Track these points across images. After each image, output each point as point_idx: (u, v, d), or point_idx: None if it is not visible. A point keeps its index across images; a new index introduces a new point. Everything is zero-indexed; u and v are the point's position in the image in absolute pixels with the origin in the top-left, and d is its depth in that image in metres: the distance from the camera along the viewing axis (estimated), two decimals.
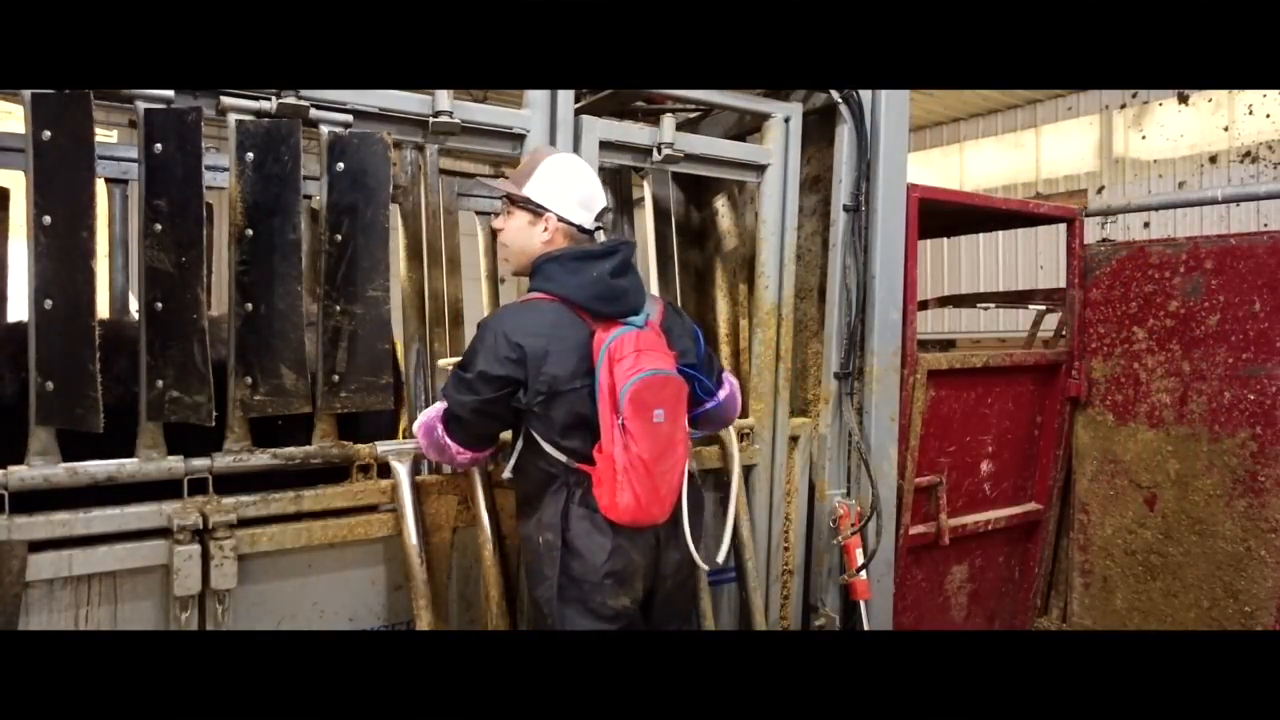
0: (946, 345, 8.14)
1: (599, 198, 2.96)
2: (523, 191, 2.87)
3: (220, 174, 3.72)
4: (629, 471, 2.64)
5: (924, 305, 5.71)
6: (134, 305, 3.75)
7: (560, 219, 2.86)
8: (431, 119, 3.04)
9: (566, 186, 2.88)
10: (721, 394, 3.12)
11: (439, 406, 2.84)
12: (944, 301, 7.03)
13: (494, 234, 3.07)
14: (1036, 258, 12.40)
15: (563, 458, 2.78)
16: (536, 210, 2.87)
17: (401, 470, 3.05)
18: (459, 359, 2.84)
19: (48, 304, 2.48)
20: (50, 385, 2.50)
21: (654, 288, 4.48)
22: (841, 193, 4.10)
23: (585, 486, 2.77)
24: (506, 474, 2.93)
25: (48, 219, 2.46)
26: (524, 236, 2.90)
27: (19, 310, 2.85)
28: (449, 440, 2.81)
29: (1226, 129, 10.67)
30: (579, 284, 2.77)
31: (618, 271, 2.81)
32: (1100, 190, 11.91)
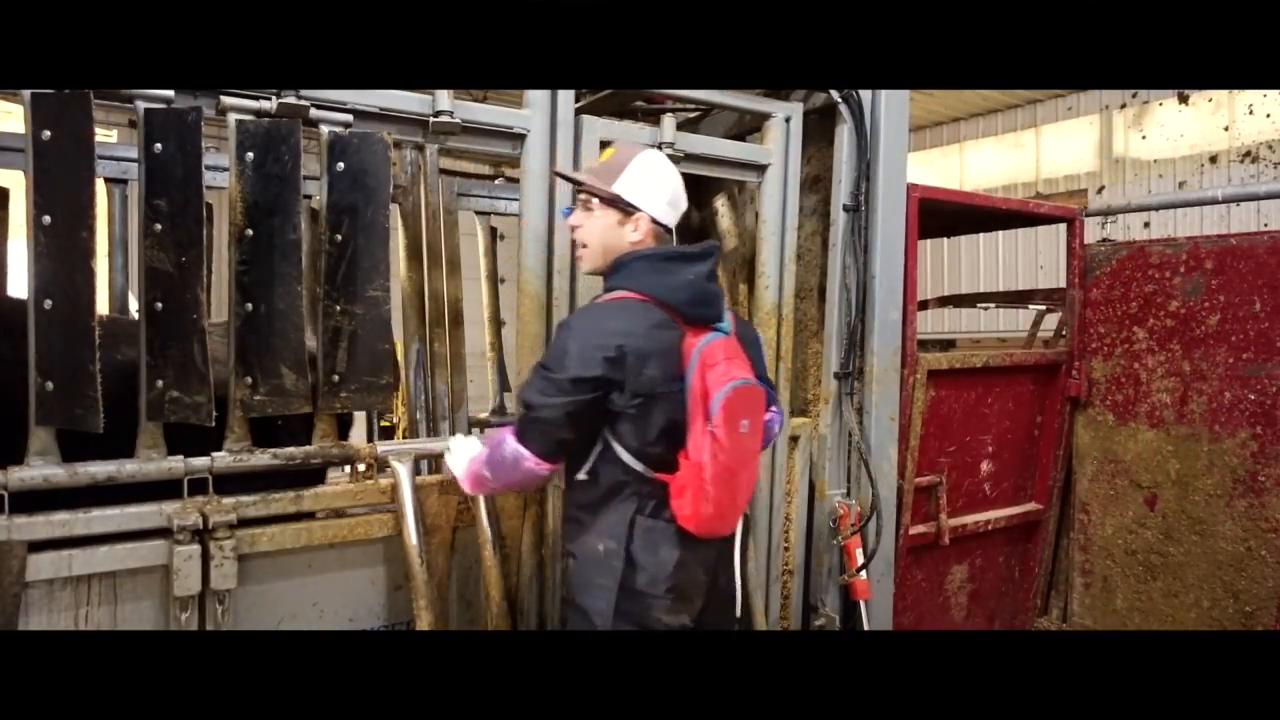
0: (946, 345, 8.15)
1: (684, 197, 2.89)
2: (613, 189, 2.76)
3: (220, 174, 3.72)
4: (715, 481, 2.52)
5: (924, 305, 5.71)
6: (134, 305, 3.76)
7: (653, 220, 2.77)
8: (432, 119, 3.04)
9: (659, 186, 2.79)
10: (775, 408, 3.04)
11: (495, 434, 2.72)
12: (944, 301, 7.04)
13: (570, 230, 2.92)
14: (1036, 258, 12.41)
15: (639, 466, 2.66)
16: (627, 209, 2.75)
17: (402, 470, 3.06)
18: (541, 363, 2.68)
19: (47, 304, 2.48)
20: (50, 385, 2.51)
21: None
22: (841, 192, 4.10)
23: (659, 497, 2.66)
24: (581, 475, 2.75)
25: (47, 219, 2.46)
26: (612, 235, 2.77)
27: None
28: (526, 451, 2.61)
29: (1227, 129, 10.68)
30: (673, 285, 2.67)
31: (711, 275, 2.74)
32: (1100, 190, 11.92)
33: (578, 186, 2.87)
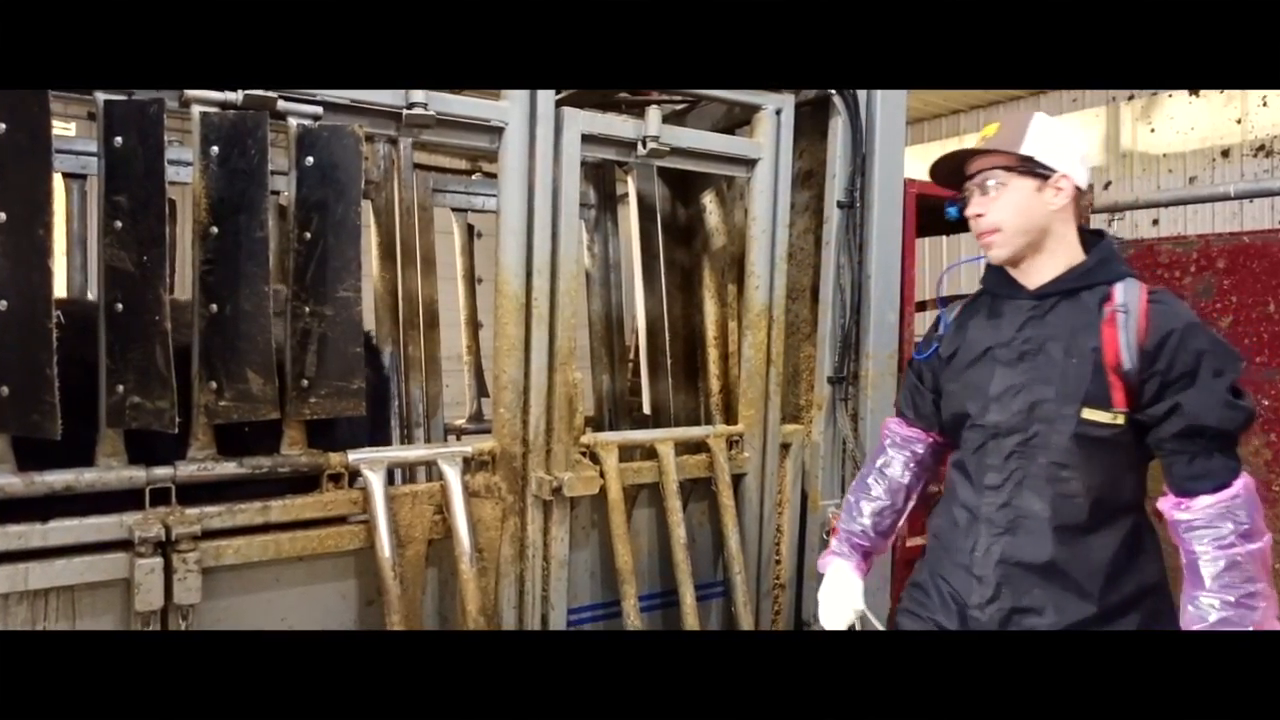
0: None
1: (1093, 155, 2.76)
2: (1021, 151, 2.57)
3: (184, 169, 3.75)
4: None
5: (922, 306, 5.73)
6: None
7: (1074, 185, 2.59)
8: (405, 111, 3.06)
9: (1070, 141, 2.61)
10: None
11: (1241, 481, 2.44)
12: (943, 302, 7.04)
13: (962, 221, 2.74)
14: None
15: None
16: (1043, 173, 2.56)
17: (374, 480, 3.07)
18: (1226, 379, 2.43)
19: (2, 305, 2.49)
20: (5, 390, 2.51)
21: (639, 288, 4.51)
22: (836, 188, 4.14)
23: None
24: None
25: (2, 216, 2.47)
26: (1033, 205, 2.58)
27: None
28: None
29: (1239, 121, 10.73)
30: None
31: None
32: (1107, 186, 11.97)
33: (975, 168, 2.68)
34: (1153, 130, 11.51)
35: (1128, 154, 11.79)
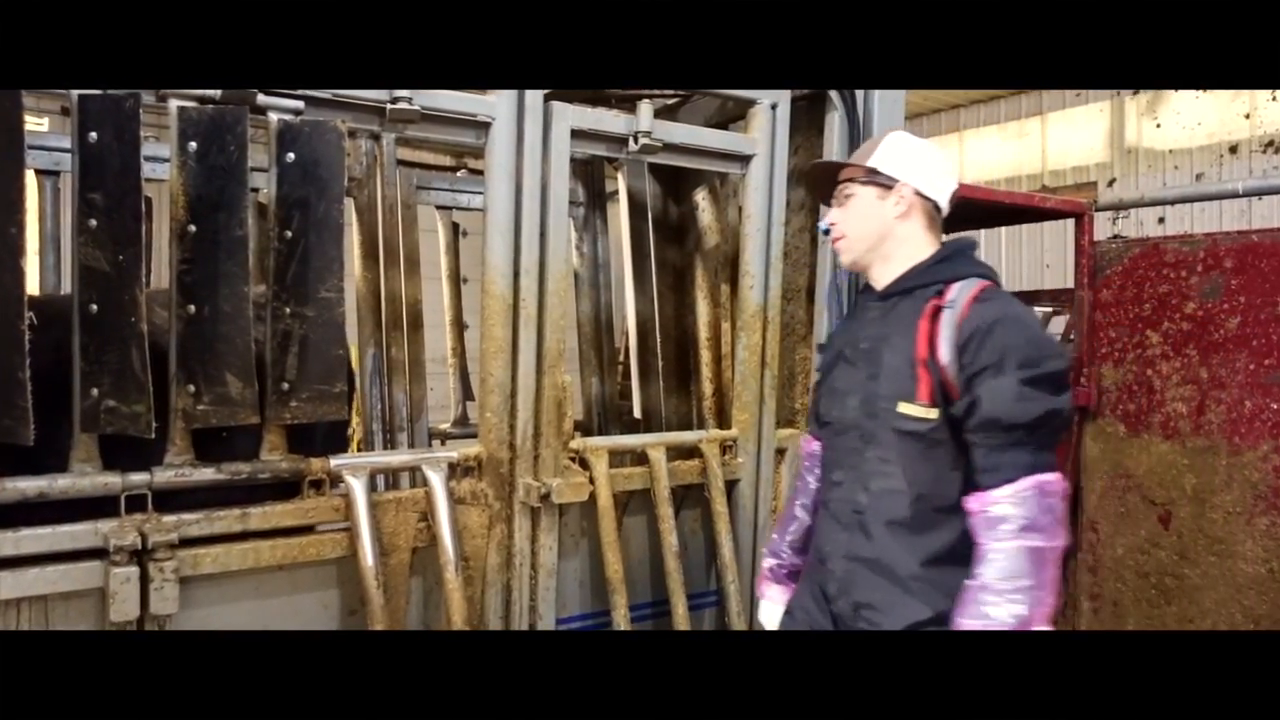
0: None
1: (949, 171, 2.89)
2: (868, 164, 2.82)
3: (160, 165, 3.75)
4: None
5: None
6: None
7: (918, 193, 2.80)
8: (389, 106, 3.06)
9: (916, 156, 2.83)
10: None
11: (1037, 479, 2.46)
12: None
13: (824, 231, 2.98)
14: (1042, 256, 12.50)
15: None
16: (885, 183, 2.80)
17: (357, 486, 3.08)
18: (1024, 372, 2.49)
19: None
20: None
21: (629, 288, 4.52)
22: None
23: None
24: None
25: None
26: (873, 212, 2.82)
27: None
28: (1058, 475, 2.50)
29: (1248, 116, 10.77)
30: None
31: None
32: (1111, 183, 12.01)
33: (834, 182, 2.92)
34: (1158, 125, 11.55)
35: (1132, 150, 11.83)
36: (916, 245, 2.80)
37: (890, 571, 2.64)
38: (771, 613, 3.15)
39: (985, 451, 2.51)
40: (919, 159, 2.81)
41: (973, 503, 2.52)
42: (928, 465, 2.62)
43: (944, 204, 2.85)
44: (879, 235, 2.80)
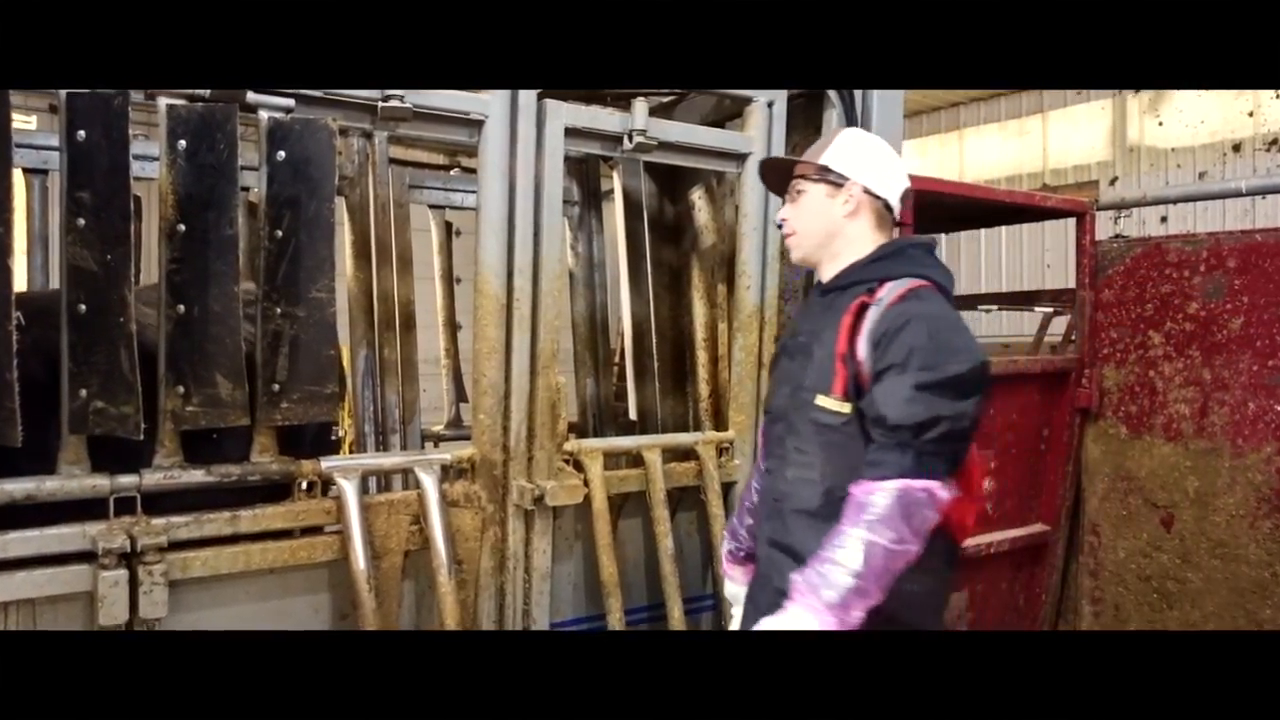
0: None
1: (901, 171, 2.93)
2: (819, 161, 2.85)
3: (150, 164, 3.75)
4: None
5: None
6: None
7: (866, 190, 2.83)
8: (381, 104, 3.06)
9: (867, 154, 2.87)
10: None
11: (875, 496, 2.48)
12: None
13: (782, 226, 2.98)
14: (1043, 255, 12.49)
15: None
16: (836, 181, 2.83)
17: (348, 488, 3.08)
18: (921, 374, 2.52)
19: None
20: None
21: (624, 288, 4.52)
22: None
23: None
24: None
25: None
26: (822, 210, 2.85)
27: None
28: (936, 484, 2.50)
29: (1251, 114, 10.78)
30: (950, 282, 2.81)
31: None
32: (1113, 182, 12.02)
33: (787, 179, 2.95)
34: (1161, 124, 11.55)
35: (1134, 148, 11.83)
36: (863, 244, 2.84)
37: (802, 559, 2.64)
38: (734, 592, 3.23)
39: (875, 446, 2.56)
40: (870, 157, 2.86)
41: (852, 488, 2.55)
42: (841, 457, 2.67)
43: (894, 203, 2.89)
44: (827, 233, 2.85)
